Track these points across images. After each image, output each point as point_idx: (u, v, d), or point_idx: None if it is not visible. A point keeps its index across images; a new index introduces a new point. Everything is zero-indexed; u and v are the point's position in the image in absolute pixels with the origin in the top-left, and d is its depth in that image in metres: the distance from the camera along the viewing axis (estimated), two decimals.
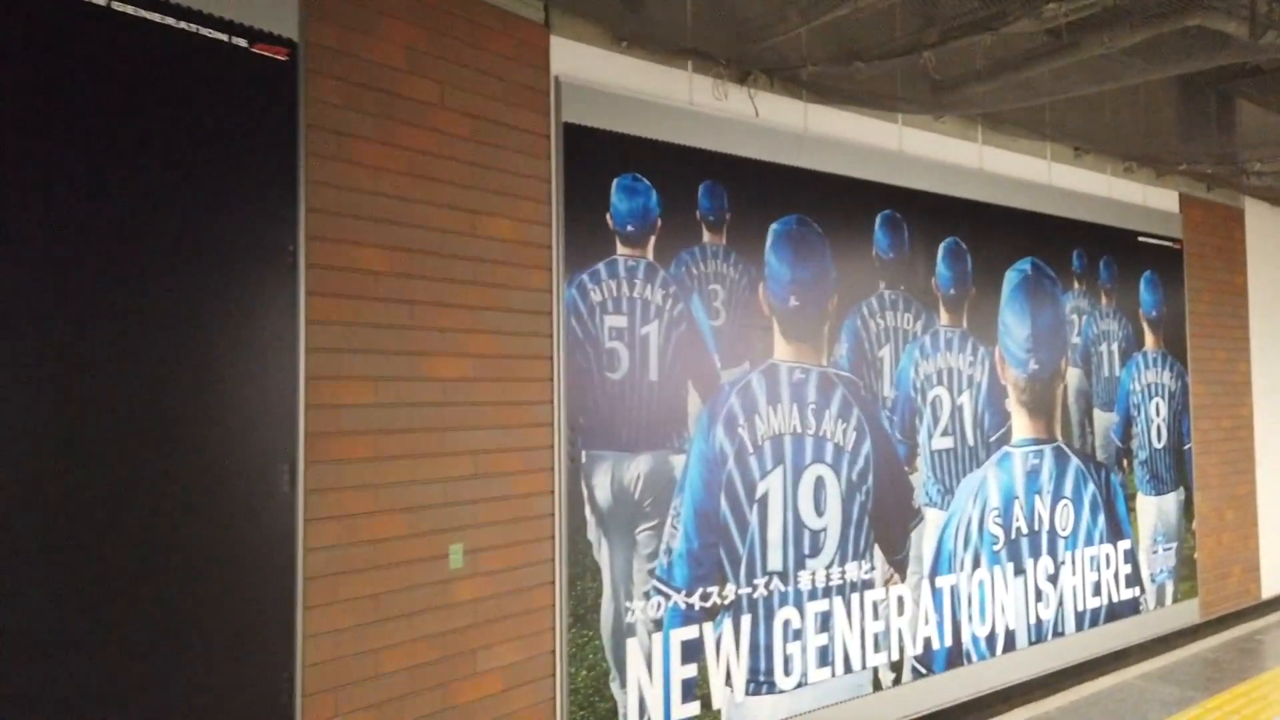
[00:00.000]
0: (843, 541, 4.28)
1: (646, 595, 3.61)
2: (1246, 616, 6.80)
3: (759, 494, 3.99)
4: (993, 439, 5.03)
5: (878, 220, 4.58)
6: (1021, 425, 5.19)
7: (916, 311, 4.71)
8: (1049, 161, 5.58)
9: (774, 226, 4.15)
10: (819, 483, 4.22)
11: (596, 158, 3.59)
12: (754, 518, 3.96)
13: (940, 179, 4.88)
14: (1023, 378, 5.18)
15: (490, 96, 3.29)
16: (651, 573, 3.63)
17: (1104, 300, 5.82)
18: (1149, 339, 6.13)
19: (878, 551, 4.43)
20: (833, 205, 4.38)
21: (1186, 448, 6.36)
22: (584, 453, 3.48)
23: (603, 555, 3.50)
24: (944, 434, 4.78)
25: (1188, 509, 6.31)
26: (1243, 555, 6.86)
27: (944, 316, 4.85)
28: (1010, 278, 5.20)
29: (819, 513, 4.21)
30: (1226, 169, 6.16)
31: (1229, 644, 6.28)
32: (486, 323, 3.25)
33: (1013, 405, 5.14)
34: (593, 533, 3.48)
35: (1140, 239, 6.12)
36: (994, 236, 5.14)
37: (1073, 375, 5.57)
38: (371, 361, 2.94)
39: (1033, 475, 5.21)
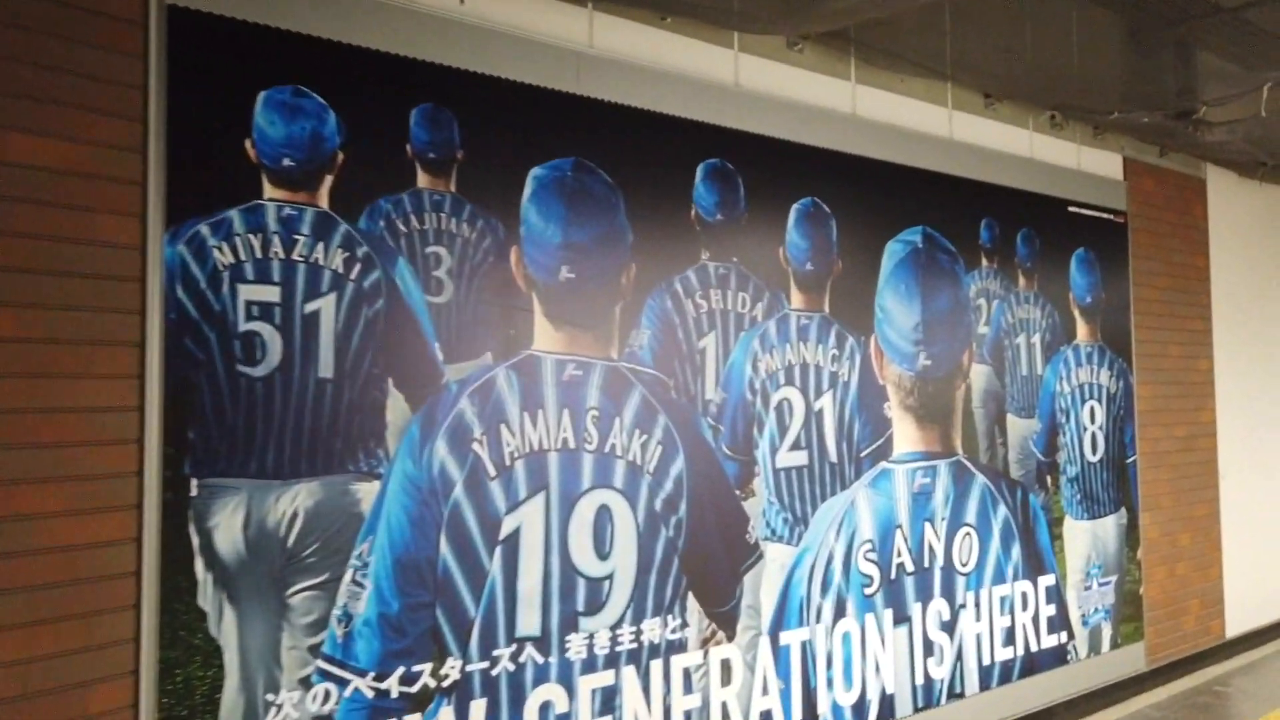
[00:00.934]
0: (638, 592, 3.23)
1: (306, 682, 2.56)
2: (1206, 660, 5.74)
3: (505, 533, 2.93)
4: (866, 453, 3.97)
5: (700, 171, 3.53)
6: (907, 436, 4.13)
7: (756, 291, 3.65)
8: (950, 110, 4.53)
9: (535, 172, 3.10)
10: (603, 514, 3.16)
11: (229, 60, 2.53)
12: (496, 565, 2.90)
13: (795, 123, 3.83)
14: (909, 376, 4.12)
15: None
16: (316, 649, 2.58)
17: (1022, 282, 4.76)
18: (1082, 330, 5.07)
19: (692, 602, 3.37)
20: (630, 148, 3.33)
21: (1130, 461, 5.30)
22: (194, 482, 2.42)
23: (226, 629, 2.45)
24: (794, 447, 3.72)
25: (1131, 535, 5.25)
26: (1201, 588, 5.80)
27: (797, 298, 3.79)
28: (893, 250, 4.15)
29: (601, 555, 3.15)
30: (1180, 125, 5.11)
31: (1183, 697, 5.22)
32: (12, 293, 2.20)
33: (895, 411, 4.08)
34: (208, 598, 2.43)
35: (1072, 209, 5.07)
36: (870, 199, 4.08)
37: (979, 373, 4.51)
38: None
39: (922, 497, 4.16)
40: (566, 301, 3.11)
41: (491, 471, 2.91)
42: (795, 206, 3.81)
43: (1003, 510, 4.50)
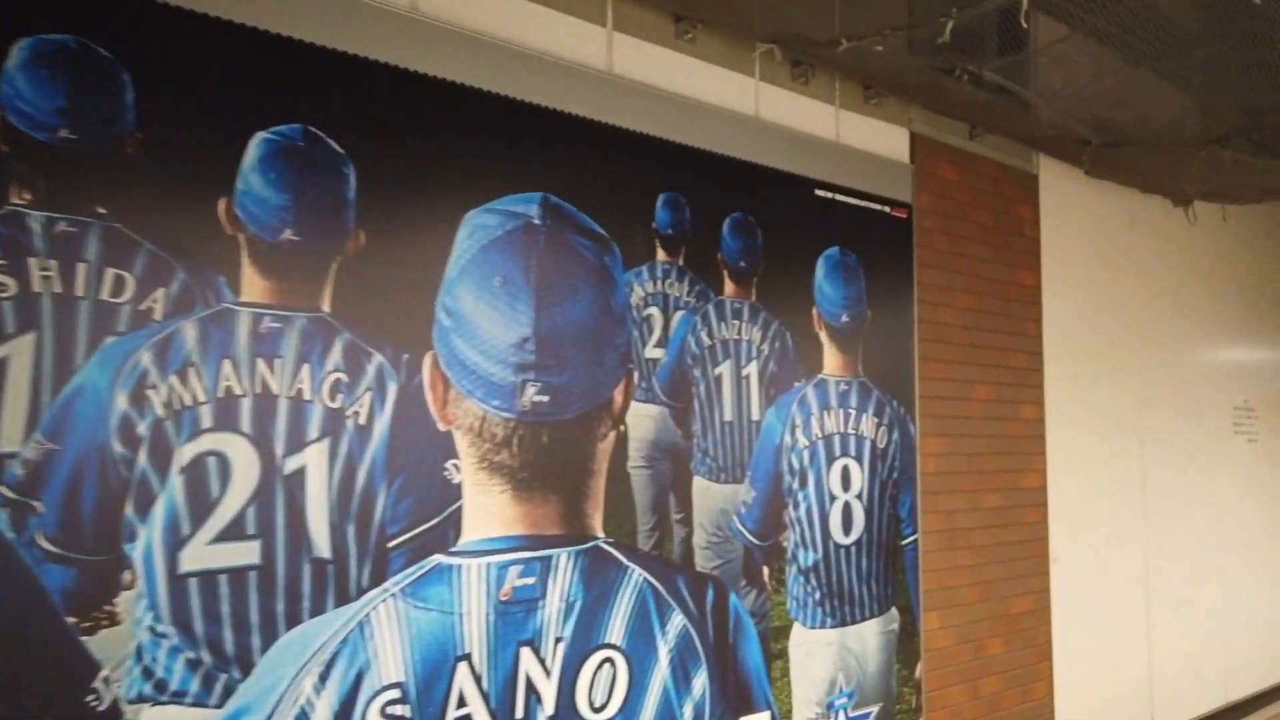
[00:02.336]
0: None
1: None
2: None
3: None
4: (400, 541, 2.47)
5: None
6: (494, 511, 2.64)
7: (190, 294, 2.16)
8: (609, 30, 3.11)
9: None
10: None
11: None
12: None
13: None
14: (503, 418, 2.64)
15: None
16: None
17: (731, 287, 3.33)
18: (833, 360, 3.65)
19: None
20: None
21: (908, 542, 3.88)
22: None
23: None
24: (227, 537, 2.21)
25: (906, 645, 3.81)
26: (1021, 712, 4.38)
27: (256, 286, 2.31)
28: (478, 225, 2.67)
29: None
30: (954, 81, 3.78)
31: None
32: None
33: (470, 472, 2.60)
34: None
35: (821, 193, 3.68)
36: (432, 144, 2.63)
37: (645, 417, 3.05)
38: None
39: (518, 609, 2.66)
40: None
41: None
42: (260, 140, 2.33)
43: (677, 620, 3.02)
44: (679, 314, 3.16)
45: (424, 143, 2.62)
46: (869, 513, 3.70)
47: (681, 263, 3.17)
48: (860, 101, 3.89)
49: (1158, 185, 5.30)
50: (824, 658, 3.48)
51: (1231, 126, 3.54)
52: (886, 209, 3.93)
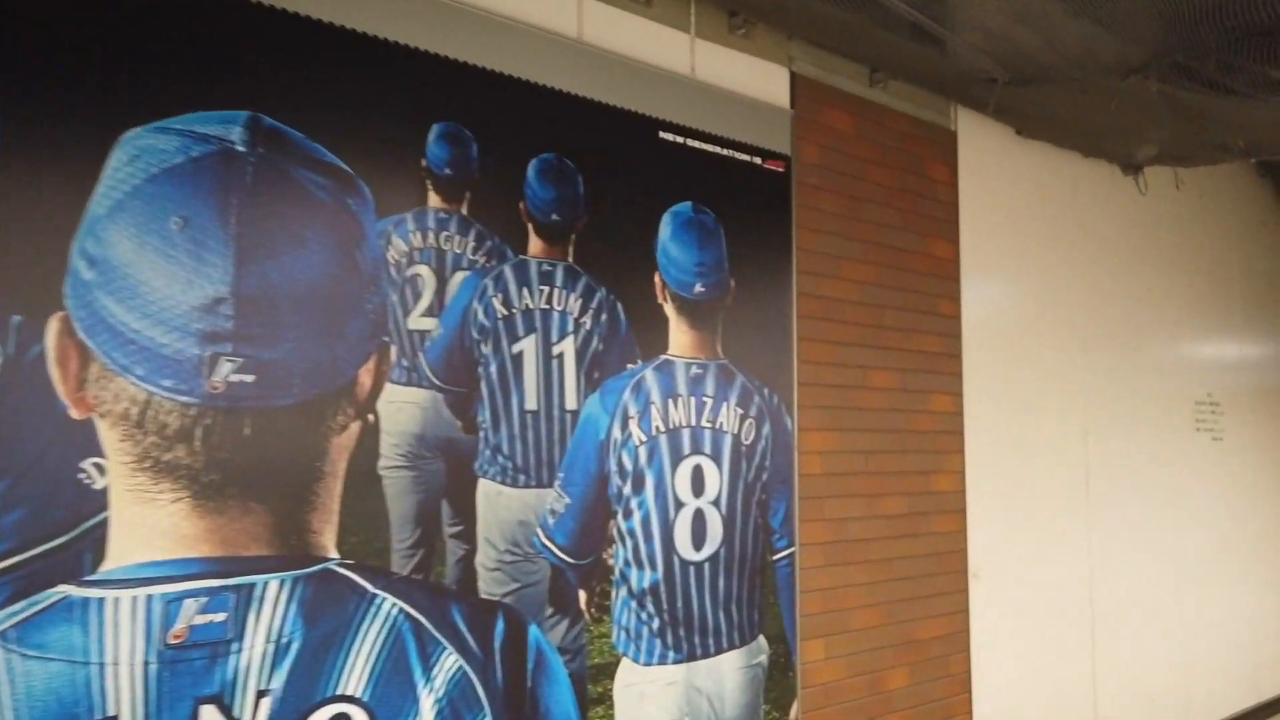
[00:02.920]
0: None
1: None
2: None
3: None
4: (8, 565, 1.84)
5: None
6: (160, 527, 2.00)
7: None
8: None
9: None
10: None
11: None
12: None
13: None
14: (179, 404, 1.99)
15: None
16: None
17: (538, 245, 2.70)
18: (681, 338, 3.02)
19: None
20: None
21: (782, 557, 3.25)
22: None
23: None
24: None
25: (778, 682, 3.18)
26: None
27: None
28: (147, 152, 2.05)
29: None
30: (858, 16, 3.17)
31: None
32: None
33: (122, 476, 1.95)
34: None
35: (666, 136, 3.05)
36: (67, 52, 2.01)
37: (408, 403, 2.42)
38: None
39: (202, 654, 2.03)
40: None
41: None
42: None
43: (449, 662, 2.38)
44: (461, 275, 2.52)
45: (60, 37, 1.99)
46: (729, 522, 3.07)
47: (465, 212, 2.54)
48: (723, 31, 3.27)
49: (1101, 148, 4.69)
50: (664, 700, 2.84)
51: (1153, 50, 2.91)
52: (757, 160, 3.30)
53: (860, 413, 3.61)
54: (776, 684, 3.17)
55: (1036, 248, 4.57)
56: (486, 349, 2.55)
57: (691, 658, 2.92)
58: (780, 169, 3.37)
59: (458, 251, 2.51)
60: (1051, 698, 4.33)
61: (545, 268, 2.69)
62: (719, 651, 3.00)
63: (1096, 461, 4.73)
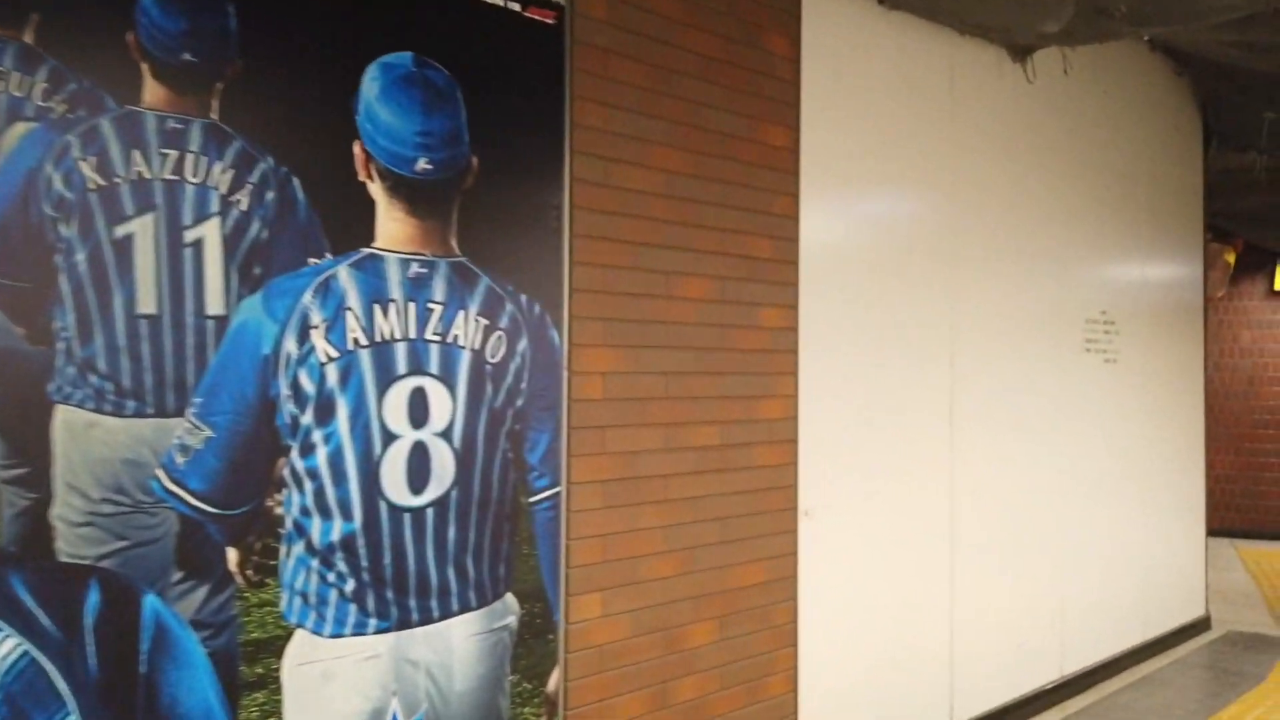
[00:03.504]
0: None
1: None
2: None
3: None
4: None
5: None
6: None
7: None
8: None
9: None
10: None
11: None
12: None
13: None
14: None
15: None
16: None
17: (159, 93, 2.01)
18: (398, 227, 2.37)
19: None
20: None
21: (541, 499, 2.68)
22: None
23: None
24: None
25: (533, 648, 2.64)
26: (744, 716, 3.27)
27: None
28: None
29: None
30: None
31: None
32: None
33: None
34: None
35: None
36: None
37: None
38: None
39: None
40: None
41: None
42: None
43: (9, 646, 1.79)
44: (22, 128, 1.85)
45: None
46: (465, 458, 2.48)
47: (30, 40, 1.85)
48: None
49: (984, 23, 4.06)
50: (358, 678, 2.28)
51: None
52: (515, 5, 2.63)
53: (662, 327, 3.03)
54: (531, 650, 2.63)
55: (900, 141, 3.98)
56: (69, 230, 1.89)
57: (404, 625, 2.36)
58: (549, 20, 2.70)
59: (17, 95, 1.83)
60: (899, 649, 3.89)
61: (172, 125, 2.02)
62: (446, 616, 2.44)
63: (963, 385, 4.23)
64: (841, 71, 3.70)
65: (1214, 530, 9.66)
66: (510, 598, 2.59)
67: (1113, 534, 5.32)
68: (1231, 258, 9.68)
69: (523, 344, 2.63)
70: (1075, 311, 5.05)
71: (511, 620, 2.60)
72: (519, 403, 2.62)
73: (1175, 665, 5.44)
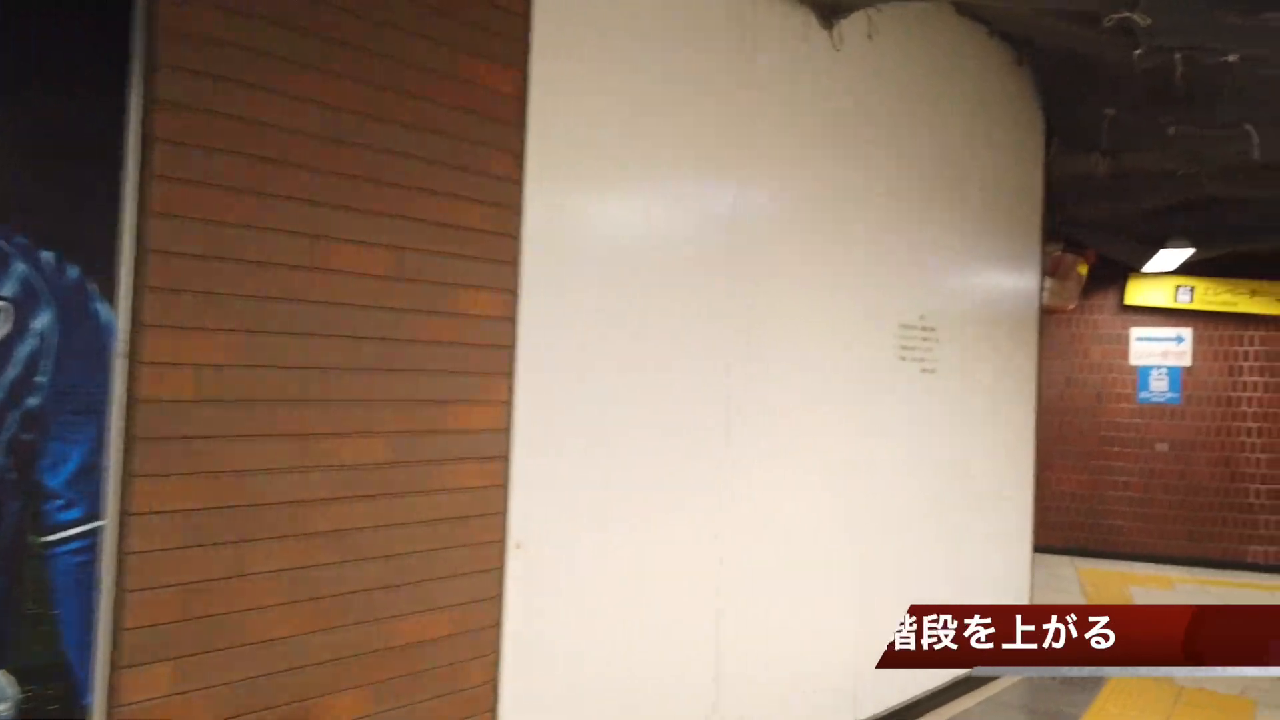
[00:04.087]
0: None
1: None
2: None
3: None
4: None
5: None
6: None
7: None
8: None
9: None
10: None
11: None
12: None
13: None
14: None
15: None
16: None
17: None
18: None
19: None
20: None
21: (66, 538, 1.94)
22: None
23: None
24: None
25: None
26: None
27: None
28: None
29: None
30: None
31: None
32: None
33: None
34: None
35: None
36: None
37: None
38: None
39: None
40: None
41: None
42: None
43: None
44: None
45: None
46: None
47: None
48: None
49: None
50: None
51: None
52: None
53: (303, 307, 2.31)
54: None
55: (678, 106, 3.36)
56: None
57: None
58: None
59: None
60: (648, 707, 3.28)
61: None
62: None
63: (745, 395, 3.65)
64: (595, 11, 3.05)
65: (1059, 549, 9.58)
66: (1, 677, 1.85)
67: (920, 560, 4.86)
68: (1084, 269, 9.50)
69: (43, 321, 1.88)
70: (890, 315, 4.55)
71: (2, 709, 1.85)
72: (32, 401, 1.87)
73: (985, 705, 5.02)
